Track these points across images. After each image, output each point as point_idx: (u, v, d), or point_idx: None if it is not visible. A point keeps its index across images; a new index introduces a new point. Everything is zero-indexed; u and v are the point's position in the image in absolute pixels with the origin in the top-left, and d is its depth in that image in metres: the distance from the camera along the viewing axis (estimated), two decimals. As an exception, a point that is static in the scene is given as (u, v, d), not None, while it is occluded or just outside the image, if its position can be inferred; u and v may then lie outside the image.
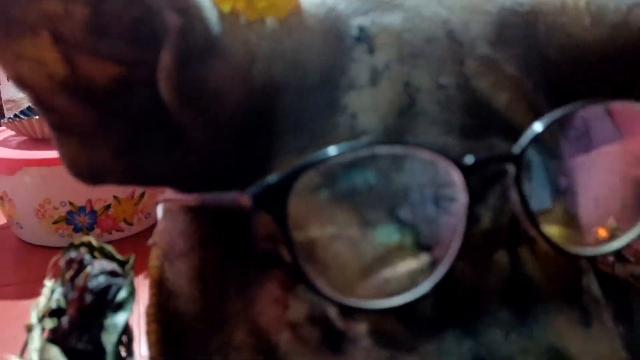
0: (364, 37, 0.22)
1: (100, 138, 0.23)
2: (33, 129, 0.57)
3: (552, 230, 0.20)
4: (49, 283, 0.28)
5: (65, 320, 0.24)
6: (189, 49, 0.19)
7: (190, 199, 0.23)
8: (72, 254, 0.28)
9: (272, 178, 0.18)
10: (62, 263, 0.28)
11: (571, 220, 0.21)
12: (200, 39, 0.19)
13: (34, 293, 0.29)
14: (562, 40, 0.23)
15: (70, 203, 0.55)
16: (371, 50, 0.22)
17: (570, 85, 0.23)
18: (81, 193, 0.55)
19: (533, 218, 0.19)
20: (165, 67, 0.19)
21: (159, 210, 0.28)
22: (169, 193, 0.26)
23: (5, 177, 0.53)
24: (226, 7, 0.21)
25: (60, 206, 0.55)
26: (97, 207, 0.56)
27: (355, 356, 0.19)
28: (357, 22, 0.22)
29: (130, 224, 0.56)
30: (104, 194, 0.56)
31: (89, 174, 0.23)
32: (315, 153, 0.18)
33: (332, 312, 0.20)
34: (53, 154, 0.55)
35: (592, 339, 0.20)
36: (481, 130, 0.21)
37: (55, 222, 0.56)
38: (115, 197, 0.56)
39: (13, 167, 0.53)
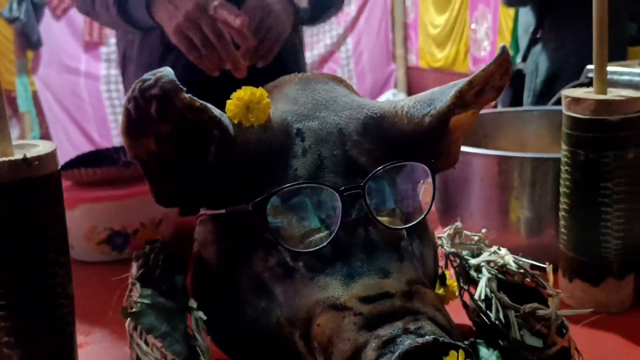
0: (299, 133, 0.47)
1: (169, 182, 0.47)
2: (80, 177, 0.80)
3: (383, 218, 0.45)
4: (135, 263, 0.51)
5: (153, 275, 0.48)
6: (222, 143, 0.44)
7: (216, 212, 0.48)
8: (150, 246, 0.52)
9: (260, 198, 0.43)
10: (144, 250, 0.52)
11: (395, 213, 0.46)
12: (225, 138, 0.44)
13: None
14: (394, 129, 0.49)
15: (111, 229, 0.78)
16: (302, 140, 0.47)
17: (399, 151, 0.48)
18: (118, 221, 0.78)
19: (372, 213, 0.44)
20: (212, 151, 0.44)
21: (198, 221, 0.52)
22: (203, 210, 0.51)
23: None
24: (235, 120, 0.46)
25: (103, 231, 0.78)
26: (129, 231, 0.79)
27: (297, 278, 0.44)
28: (296, 125, 0.48)
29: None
30: (134, 221, 0.79)
31: (165, 203, 0.48)
32: (278, 187, 0.43)
33: (288, 257, 0.44)
34: (97, 194, 0.78)
35: (403, 267, 0.44)
36: (352, 175, 0.46)
37: (98, 244, 0.79)
38: (142, 224, 0.80)
39: (70, 204, 0.76)
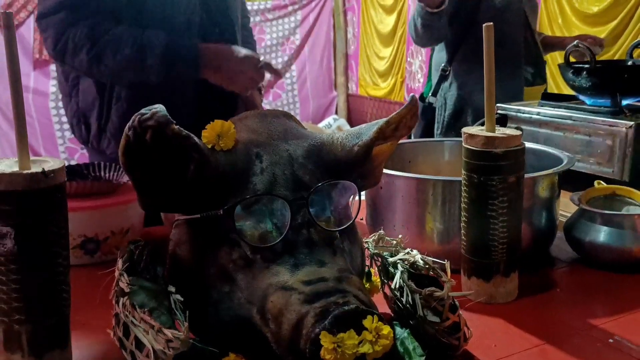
0: (258, 156, 0.61)
1: (155, 194, 0.60)
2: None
3: (321, 222, 0.59)
4: (120, 259, 0.63)
5: (137, 268, 0.61)
6: (199, 163, 0.57)
7: (192, 217, 0.60)
8: (134, 245, 0.64)
9: (229, 205, 0.56)
10: (129, 248, 0.64)
11: (330, 219, 0.60)
12: (202, 159, 0.57)
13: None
14: (331, 155, 0.63)
15: (84, 235, 0.89)
16: (261, 162, 0.61)
17: (334, 173, 0.63)
18: (90, 229, 0.89)
19: (313, 219, 0.58)
20: (192, 169, 0.57)
21: (173, 225, 0.65)
22: (179, 215, 0.63)
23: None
24: (209, 146, 0.60)
25: (77, 238, 0.88)
26: (101, 238, 0.90)
27: (256, 268, 0.57)
28: (256, 150, 0.61)
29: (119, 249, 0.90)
30: (105, 229, 0.90)
31: (150, 209, 0.61)
32: (242, 198, 0.57)
33: (248, 252, 0.58)
34: (72, 205, 0.89)
35: (336, 259, 0.59)
36: (299, 189, 0.60)
37: (72, 248, 0.88)
38: (111, 232, 0.90)
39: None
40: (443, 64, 1.97)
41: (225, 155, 0.60)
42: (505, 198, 0.72)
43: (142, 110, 0.55)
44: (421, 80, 3.72)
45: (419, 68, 3.70)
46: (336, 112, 4.80)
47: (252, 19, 4.42)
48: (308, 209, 0.58)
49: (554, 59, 2.36)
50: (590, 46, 1.81)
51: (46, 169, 0.55)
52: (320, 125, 4.52)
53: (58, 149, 3.76)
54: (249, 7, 4.87)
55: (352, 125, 4.66)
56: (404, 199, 0.89)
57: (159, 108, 0.54)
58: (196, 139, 0.57)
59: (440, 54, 2.00)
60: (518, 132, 0.73)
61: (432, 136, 2.05)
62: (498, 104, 1.34)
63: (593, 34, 2.40)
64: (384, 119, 0.63)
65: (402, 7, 3.84)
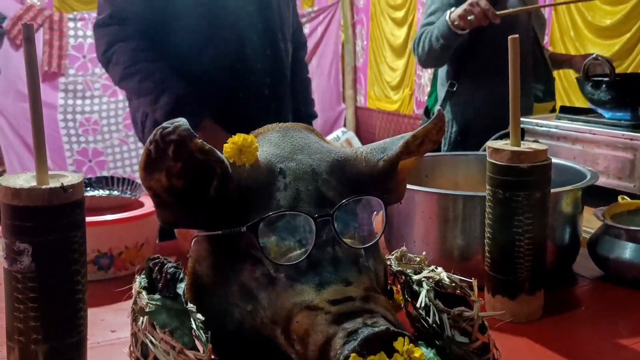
0: (281, 172, 0.59)
1: (175, 210, 0.58)
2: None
3: (347, 240, 0.57)
4: (138, 276, 0.61)
5: (156, 285, 0.59)
6: (222, 179, 0.56)
7: (213, 232, 0.59)
8: (153, 262, 0.62)
9: (252, 222, 0.55)
10: (147, 265, 0.62)
11: (355, 236, 0.59)
12: (224, 174, 0.56)
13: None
14: (355, 170, 0.62)
15: (98, 250, 0.87)
16: (284, 177, 0.59)
17: (358, 188, 0.61)
18: (104, 244, 0.87)
19: (338, 236, 0.56)
20: (215, 184, 0.56)
21: (193, 241, 0.63)
22: (199, 231, 0.62)
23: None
24: (231, 160, 0.58)
25: (90, 253, 0.87)
26: (114, 253, 0.88)
27: (279, 286, 0.55)
28: (279, 165, 0.60)
29: (134, 265, 0.89)
30: (119, 244, 0.88)
31: (169, 225, 0.59)
32: (265, 214, 0.55)
33: (271, 269, 0.56)
34: (87, 220, 0.88)
35: (361, 278, 0.57)
36: (323, 205, 0.58)
37: (85, 264, 0.87)
38: (126, 247, 0.89)
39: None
40: (450, 81, 1.94)
41: (247, 170, 0.59)
42: (531, 214, 0.71)
43: (164, 124, 0.53)
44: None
45: (429, 81, 3.69)
46: (344, 125, 4.79)
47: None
48: (333, 226, 0.56)
49: (566, 75, 2.35)
50: (598, 65, 1.80)
51: (65, 184, 0.54)
52: (329, 137, 4.50)
53: (66, 161, 3.76)
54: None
55: (360, 139, 4.66)
56: (423, 214, 0.87)
57: (182, 122, 0.53)
58: (219, 153, 0.56)
59: (444, 69, 1.97)
60: (544, 147, 0.72)
61: (439, 151, 2.02)
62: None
63: (606, 46, 2.39)
64: (410, 133, 0.61)
65: (412, 20, 3.85)
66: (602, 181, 1.12)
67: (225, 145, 0.59)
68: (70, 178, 0.56)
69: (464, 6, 1.60)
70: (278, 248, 0.56)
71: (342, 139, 4.45)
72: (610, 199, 1.06)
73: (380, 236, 0.61)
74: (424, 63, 1.90)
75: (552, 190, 0.84)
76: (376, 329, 0.48)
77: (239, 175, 0.58)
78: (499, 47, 1.80)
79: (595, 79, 1.15)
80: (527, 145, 0.72)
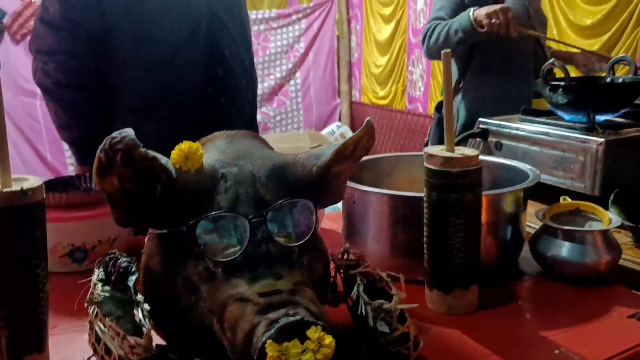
0: (223, 176, 0.66)
1: (128, 210, 0.65)
2: (48, 201, 0.96)
3: (280, 238, 0.63)
4: (96, 269, 0.68)
5: (111, 278, 0.65)
6: (166, 183, 0.62)
7: (160, 231, 0.65)
8: (108, 257, 0.69)
9: (191, 222, 0.61)
10: (104, 259, 0.68)
11: (291, 234, 0.65)
12: (169, 179, 0.62)
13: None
14: (292, 175, 0.68)
15: (72, 244, 0.94)
16: (225, 181, 0.65)
17: (296, 191, 0.67)
18: (79, 238, 0.94)
19: (271, 235, 0.62)
20: (159, 189, 0.62)
21: (146, 238, 0.69)
22: (151, 230, 0.68)
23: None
24: (177, 166, 0.64)
25: (65, 246, 0.93)
26: (89, 247, 0.95)
27: (217, 280, 0.62)
28: (221, 170, 0.66)
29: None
30: (92, 239, 0.95)
31: (123, 224, 0.65)
32: (206, 214, 0.61)
33: (211, 265, 0.62)
34: (62, 215, 0.94)
35: (293, 273, 0.63)
36: (260, 207, 0.64)
37: (61, 257, 0.94)
38: (99, 241, 0.95)
39: (38, 223, 0.92)
40: (456, 78, 2.02)
41: (192, 175, 0.65)
42: (463, 215, 0.77)
43: (114, 134, 0.59)
44: (422, 88, 3.76)
45: (420, 77, 3.74)
46: (339, 119, 4.85)
47: (256, 28, 4.50)
48: (267, 226, 0.63)
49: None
50: (597, 62, 1.85)
51: (25, 187, 0.60)
52: (324, 131, 4.57)
53: (64, 153, 3.83)
54: (253, 16, 4.91)
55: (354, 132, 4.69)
56: (374, 213, 0.93)
57: (128, 132, 0.59)
58: (163, 160, 0.62)
59: (453, 66, 2.06)
60: (475, 152, 0.77)
61: None
62: (480, 119, 1.38)
63: (587, 45, 2.43)
64: (342, 141, 0.67)
65: (401, 16, 3.89)
66: (558, 181, 1.18)
67: (172, 152, 0.65)
68: (32, 182, 0.62)
69: (493, 8, 1.67)
70: (216, 246, 0.62)
71: (337, 133, 4.52)
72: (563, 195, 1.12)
73: (310, 235, 0.66)
74: (433, 55, 1.96)
75: (494, 192, 0.90)
76: (291, 319, 0.54)
77: (185, 179, 0.64)
78: (500, 46, 1.88)
79: (553, 83, 1.20)
80: (460, 151, 0.78)
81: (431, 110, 2.19)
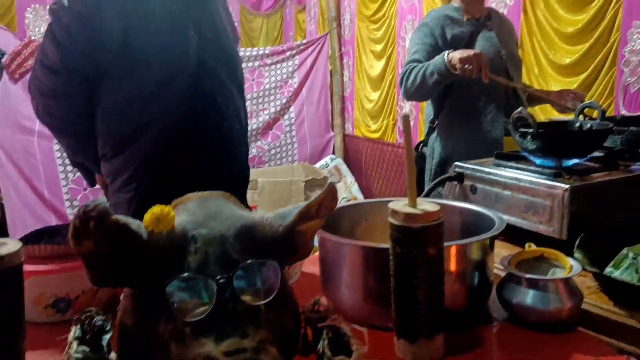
0: (193, 238, 0.70)
1: (103, 270, 0.69)
2: (34, 253, 1.00)
3: (247, 297, 0.67)
4: (73, 326, 0.71)
5: (87, 336, 0.69)
6: (138, 246, 0.66)
7: (135, 290, 0.69)
8: (85, 315, 0.72)
9: (161, 283, 0.65)
10: (81, 317, 0.72)
11: (259, 292, 0.68)
12: (140, 244, 0.66)
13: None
14: (260, 234, 0.72)
15: (56, 295, 0.97)
16: (195, 242, 0.69)
17: (265, 250, 0.71)
18: (62, 289, 0.97)
19: (238, 295, 0.66)
20: (131, 252, 0.66)
21: (122, 297, 0.73)
22: (126, 289, 0.72)
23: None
24: (150, 229, 0.68)
25: (49, 297, 0.97)
26: (72, 297, 0.98)
27: (186, 338, 0.65)
28: (192, 232, 0.70)
29: (90, 308, 0.98)
30: (75, 289, 0.98)
31: (99, 284, 0.69)
32: (177, 276, 0.65)
33: (180, 324, 0.66)
34: (47, 268, 0.98)
35: (259, 331, 0.66)
36: (228, 267, 0.68)
37: (45, 307, 0.97)
38: (82, 291, 0.99)
39: (25, 276, 0.95)
40: (431, 117, 2.09)
41: (163, 237, 0.69)
42: (425, 268, 0.80)
43: (87, 203, 0.64)
44: (412, 123, 3.82)
45: (409, 111, 3.81)
46: (333, 152, 4.91)
47: (251, 64, 4.60)
48: (232, 286, 0.66)
49: (543, 110, 2.47)
50: (572, 100, 1.91)
51: (2, 254, 0.64)
52: (318, 165, 4.62)
53: (61, 190, 3.88)
54: (248, 53, 4.97)
55: (348, 165, 4.77)
56: (347, 262, 0.97)
57: (101, 201, 0.63)
58: (135, 225, 0.66)
59: (429, 107, 2.12)
60: (436, 208, 0.82)
61: (424, 183, 2.14)
62: (456, 162, 1.43)
63: (567, 83, 2.50)
64: (305, 203, 0.71)
65: (391, 53, 3.98)
66: (528, 225, 1.22)
67: (145, 215, 0.69)
68: (10, 247, 0.66)
69: (467, 52, 1.73)
70: (186, 305, 0.66)
71: (330, 166, 4.57)
72: (535, 240, 1.16)
73: (276, 292, 0.70)
74: (411, 96, 2.01)
75: (461, 242, 0.94)
76: (252, 377, 0.58)
77: (156, 241, 0.68)
78: (472, 86, 1.94)
79: (522, 130, 1.25)
80: (421, 207, 0.82)
81: (421, 144, 2.28)
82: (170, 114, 1.39)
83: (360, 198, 4.51)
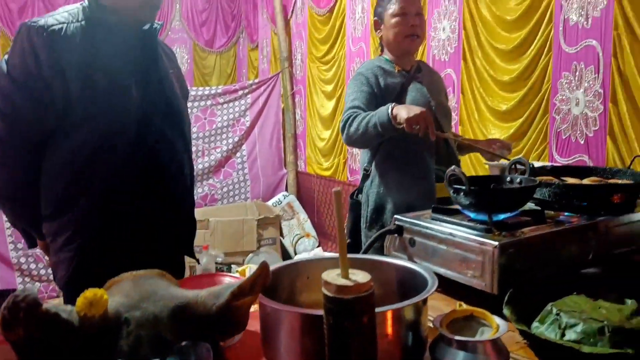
0: (126, 321, 0.71)
1: (33, 357, 0.69)
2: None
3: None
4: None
5: None
6: (69, 333, 0.67)
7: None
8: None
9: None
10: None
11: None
12: (71, 331, 0.67)
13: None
14: (195, 314, 0.74)
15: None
16: (128, 325, 0.71)
17: (199, 329, 0.73)
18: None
19: (170, 377, 0.67)
20: (62, 340, 0.67)
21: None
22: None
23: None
24: (82, 313, 0.69)
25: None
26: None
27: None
28: (125, 314, 0.71)
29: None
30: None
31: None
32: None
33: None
34: None
35: None
36: (161, 348, 0.70)
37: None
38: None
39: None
40: (365, 164, 2.13)
41: (97, 320, 0.70)
42: (358, 338, 0.83)
43: (17, 293, 0.64)
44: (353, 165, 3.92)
45: (359, 150, 3.90)
46: (286, 189, 4.94)
47: (203, 103, 4.62)
48: (165, 368, 0.68)
49: (477, 156, 2.57)
50: (499, 149, 1.99)
51: None
52: (270, 202, 4.64)
53: (5, 232, 3.76)
54: (200, 92, 5.03)
55: (301, 202, 4.81)
56: (285, 328, 0.99)
57: (31, 292, 0.64)
58: (65, 313, 0.67)
59: (363, 154, 2.17)
60: (367, 278, 0.85)
61: (360, 229, 2.17)
62: (397, 215, 1.48)
63: (504, 129, 2.62)
64: (238, 283, 0.74)
65: (341, 94, 4.08)
66: (463, 278, 1.27)
67: (78, 299, 0.70)
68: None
69: (413, 111, 1.74)
70: (118, 390, 0.67)
71: (283, 203, 4.59)
72: (470, 293, 1.21)
73: (209, 374, 0.72)
74: (353, 143, 2.04)
75: (395, 306, 0.98)
76: None
77: (88, 325, 0.69)
78: (404, 136, 2.00)
79: (455, 187, 1.31)
80: (353, 278, 0.85)
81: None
82: (111, 175, 1.40)
83: (313, 234, 4.54)
